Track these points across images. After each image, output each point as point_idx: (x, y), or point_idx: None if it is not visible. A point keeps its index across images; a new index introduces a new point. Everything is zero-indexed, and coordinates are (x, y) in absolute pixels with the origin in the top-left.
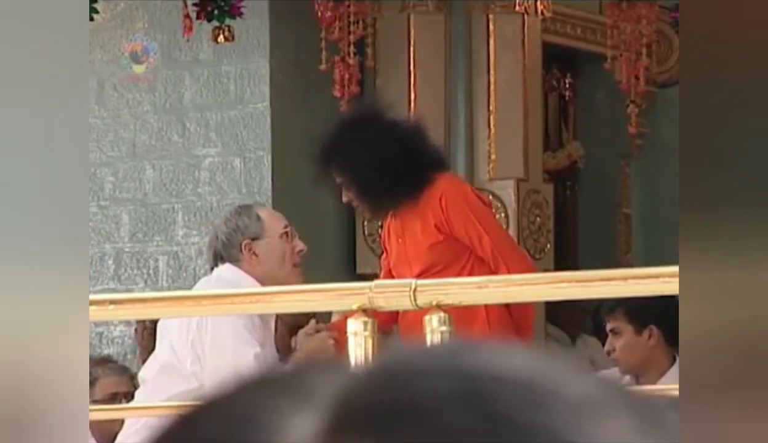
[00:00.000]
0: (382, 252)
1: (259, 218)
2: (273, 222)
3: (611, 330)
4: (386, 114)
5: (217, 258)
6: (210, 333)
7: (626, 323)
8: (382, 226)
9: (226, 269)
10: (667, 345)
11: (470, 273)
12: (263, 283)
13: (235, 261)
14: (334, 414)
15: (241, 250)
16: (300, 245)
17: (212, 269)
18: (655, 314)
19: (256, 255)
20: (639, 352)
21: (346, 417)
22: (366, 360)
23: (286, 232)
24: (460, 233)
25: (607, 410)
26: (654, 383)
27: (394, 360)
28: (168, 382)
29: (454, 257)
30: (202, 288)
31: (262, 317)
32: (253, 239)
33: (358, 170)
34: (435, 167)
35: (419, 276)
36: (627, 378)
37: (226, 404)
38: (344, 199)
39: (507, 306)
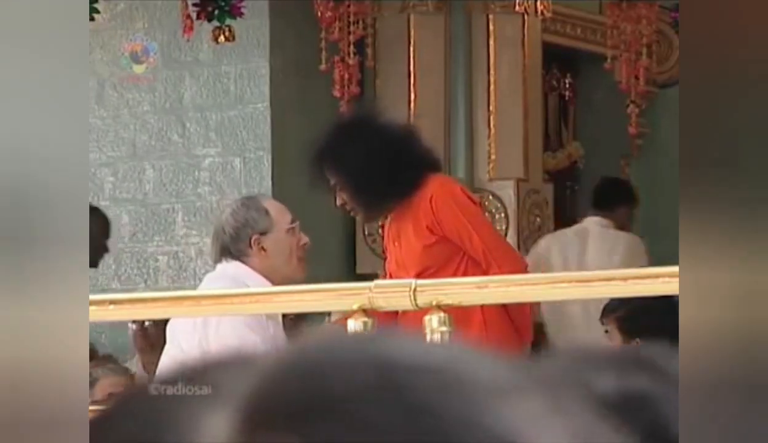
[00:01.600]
0: (382, 252)
1: (267, 212)
2: (280, 215)
3: (606, 331)
4: (380, 117)
5: (225, 252)
6: (213, 329)
7: (616, 330)
8: (382, 227)
9: (232, 266)
10: None
11: (464, 274)
12: (269, 277)
13: (243, 255)
14: (250, 411)
15: (250, 245)
16: (304, 238)
17: (216, 262)
18: (644, 328)
19: (265, 249)
20: None
21: (262, 414)
22: (281, 355)
23: (293, 228)
24: (451, 233)
25: (519, 393)
26: None
27: (308, 354)
28: None
29: (448, 258)
30: (207, 285)
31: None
32: (262, 233)
33: (351, 171)
34: (427, 168)
35: (415, 279)
36: None
37: (140, 404)
38: (338, 202)
39: (505, 307)
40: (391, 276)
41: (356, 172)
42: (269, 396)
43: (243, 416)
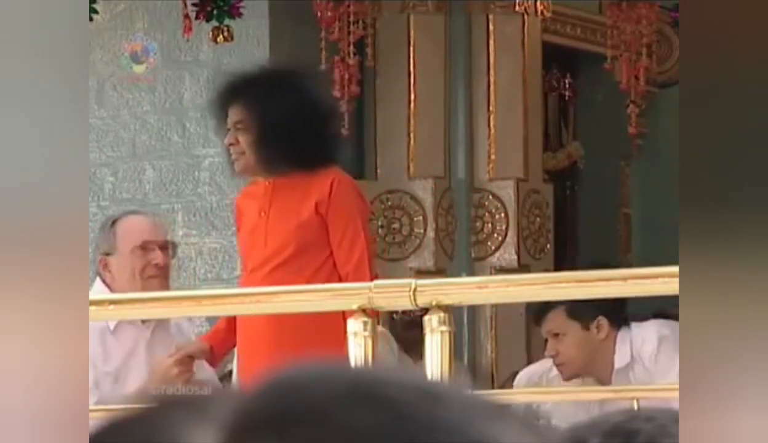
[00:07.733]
0: (236, 222)
1: (114, 233)
2: (126, 236)
3: (549, 332)
4: (315, 80)
5: (95, 271)
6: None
7: (570, 321)
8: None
9: (96, 284)
10: (612, 328)
11: (328, 276)
12: None
13: (101, 275)
14: (234, 423)
15: (100, 265)
16: (156, 258)
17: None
18: (598, 303)
19: (110, 271)
20: (588, 348)
21: (246, 424)
22: (263, 380)
23: (141, 246)
24: (335, 218)
25: (495, 409)
26: (607, 379)
27: (286, 373)
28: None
29: (314, 245)
30: None
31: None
32: (107, 254)
33: (267, 116)
34: (335, 156)
35: (273, 257)
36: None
37: (136, 421)
38: (227, 140)
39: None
40: (247, 250)
41: (273, 118)
42: (250, 410)
43: (228, 429)
